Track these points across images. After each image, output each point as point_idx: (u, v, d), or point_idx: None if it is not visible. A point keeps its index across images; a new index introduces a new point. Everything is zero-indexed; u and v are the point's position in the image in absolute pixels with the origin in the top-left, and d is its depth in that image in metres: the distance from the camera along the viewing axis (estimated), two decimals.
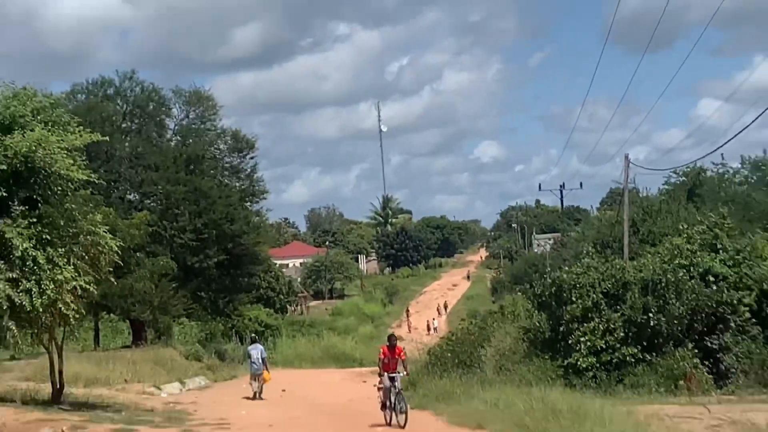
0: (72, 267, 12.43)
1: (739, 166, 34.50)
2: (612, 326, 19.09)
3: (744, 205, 28.77)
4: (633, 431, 11.96)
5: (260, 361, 21.95)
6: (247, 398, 21.92)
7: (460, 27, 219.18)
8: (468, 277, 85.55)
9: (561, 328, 20.06)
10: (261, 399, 21.65)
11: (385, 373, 14.65)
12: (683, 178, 35.86)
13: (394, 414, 14.51)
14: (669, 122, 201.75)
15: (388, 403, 14.66)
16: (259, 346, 23.25)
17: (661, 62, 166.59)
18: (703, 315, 19.20)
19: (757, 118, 30.33)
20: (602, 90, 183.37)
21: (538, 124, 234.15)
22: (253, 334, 33.47)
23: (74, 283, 12.36)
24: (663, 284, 19.28)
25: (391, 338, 15.69)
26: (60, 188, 12.68)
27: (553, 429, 12.24)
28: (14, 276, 11.72)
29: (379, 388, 14.94)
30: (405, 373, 15.27)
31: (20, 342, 13.02)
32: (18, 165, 11.93)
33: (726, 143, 29.76)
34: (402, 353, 15.08)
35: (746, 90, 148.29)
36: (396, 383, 14.46)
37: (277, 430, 15.01)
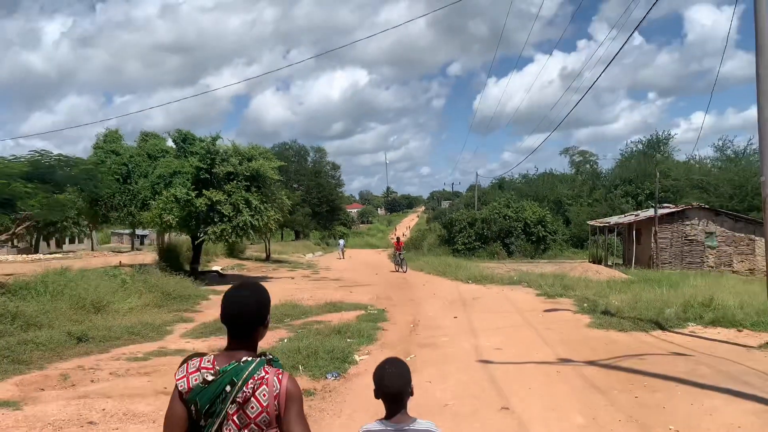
0: (273, 211, 27.03)
1: (518, 176, 76.97)
2: (470, 236, 50.28)
3: (519, 191, 72.81)
4: (476, 271, 29.39)
5: (342, 246, 54.73)
6: (339, 259, 48.58)
7: (416, 125, 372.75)
8: (417, 217, 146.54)
9: (452, 236, 51.54)
10: (343, 259, 48.28)
11: (396, 252, 36.06)
12: (497, 181, 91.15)
13: (399, 267, 34.19)
14: (494, 160, 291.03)
15: (396, 263, 35.27)
16: (342, 240, 58.25)
17: (493, 135, 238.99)
18: (504, 231, 50.24)
19: (524, 160, 76.95)
20: (470, 146, 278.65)
21: (445, 160, 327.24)
22: (343, 234, 77.11)
23: (274, 217, 27.24)
24: (490, 219, 50.78)
25: (399, 239, 39.67)
26: (269, 182, 27.05)
27: (447, 270, 31.33)
28: (252, 214, 25.94)
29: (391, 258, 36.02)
30: (404, 252, 36.70)
31: (254, 238, 32.25)
32: (253, 173, 26.31)
33: (513, 168, 75.48)
34: (402, 243, 37.79)
35: (522, 148, 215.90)
36: (401, 254, 35.30)
37: (348, 267, 38.60)
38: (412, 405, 3.09)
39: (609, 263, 37.24)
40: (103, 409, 7.94)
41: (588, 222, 47.95)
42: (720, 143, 66.80)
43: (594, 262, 36.70)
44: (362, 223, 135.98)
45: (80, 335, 12.31)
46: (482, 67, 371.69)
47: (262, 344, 6.99)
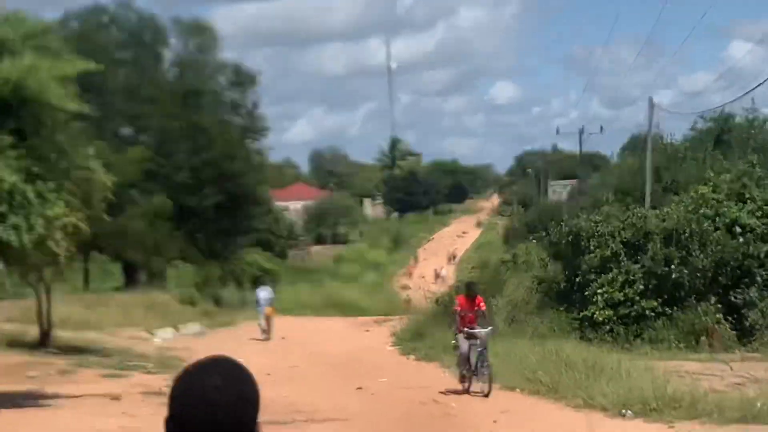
0: (63, 203, 11.92)
1: None
2: (632, 278, 18.51)
3: None
4: (651, 387, 11.12)
5: (267, 300, 22.95)
6: (262, 340, 22.60)
7: None
8: (479, 224, 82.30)
9: (577, 279, 19.65)
10: (268, 340, 22.49)
11: (463, 330, 12.85)
12: (710, 124, 34.02)
13: (474, 379, 12.81)
14: (697, 65, 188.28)
15: (466, 370, 12.89)
16: (268, 288, 24.32)
17: (690, 0, 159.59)
18: (728, 268, 18.46)
19: None
20: (626, 30, 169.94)
21: (558, 66, 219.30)
22: (260, 277, 34.10)
23: (65, 219, 11.99)
24: (686, 235, 18.65)
25: (471, 286, 14.16)
26: (51, 120, 12.19)
27: (566, 382, 11.98)
28: (1, 211, 11.14)
29: (455, 347, 13.27)
30: (489, 327, 13.32)
31: (6, 281, 13.10)
32: (7, 94, 11.40)
33: (757, 87, 24.97)
34: (482, 303, 13.38)
35: None
36: (478, 341, 12.62)
37: (275, 380, 13.68)
38: None
39: None
40: None
41: None
42: None
43: None
44: (319, 241, 66.49)
45: None
46: None
47: None
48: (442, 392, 13.19)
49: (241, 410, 1.50)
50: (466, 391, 12.88)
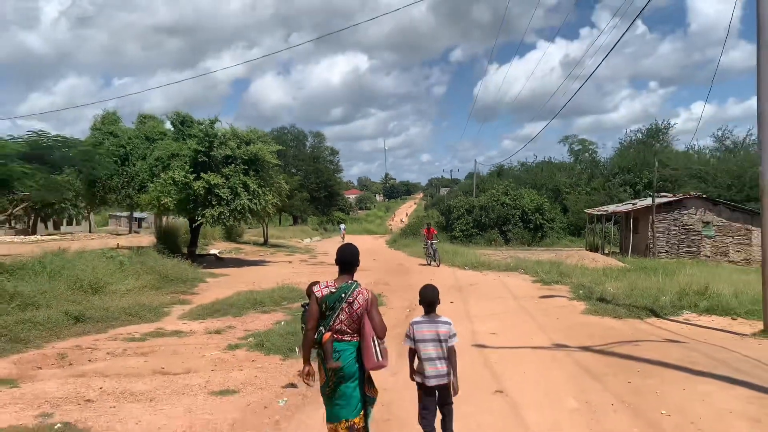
0: (271, 195, 27.27)
1: (516, 164, 75.83)
2: (467, 222, 51.21)
3: (517, 179, 69.64)
4: (473, 257, 29.44)
5: (342, 230, 57.66)
6: (341, 241, 42.54)
7: (417, 111, 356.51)
8: (415, 203, 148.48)
9: (450, 222, 52.81)
10: (344, 242, 41.06)
11: (427, 241, 28.40)
12: (496, 168, 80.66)
13: (432, 261, 27.87)
14: (493, 147, 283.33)
15: (427, 256, 28.43)
16: (343, 225, 62.40)
17: (492, 124, 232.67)
18: (501, 218, 50.88)
19: (522, 147, 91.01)
20: (469, 135, 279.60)
21: (445, 148, 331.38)
22: (341, 219, 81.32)
23: (272, 201, 27.47)
24: (487, 206, 52.65)
25: (429, 225, 30.84)
26: (267, 166, 27.38)
27: (446, 257, 29.78)
28: (250, 198, 26.19)
29: (425, 248, 29.23)
30: (437, 240, 29.40)
31: (252, 222, 33.53)
32: (251, 157, 26.65)
33: (512, 156, 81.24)
34: (434, 231, 29.47)
35: (521, 136, 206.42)
36: (432, 246, 28.05)
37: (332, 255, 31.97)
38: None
39: (606, 252, 37.39)
40: (101, 388, 8.00)
41: (585, 210, 48.04)
42: (719, 133, 67.02)
43: (591, 251, 36.76)
44: (360, 209, 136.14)
45: (78, 315, 12.35)
46: (484, 54, 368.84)
47: (262, 324, 12.19)
48: (422, 264, 28.92)
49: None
50: (428, 265, 27.98)
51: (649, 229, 34.52)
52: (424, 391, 5.54)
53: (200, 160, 26.06)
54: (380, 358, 4.99)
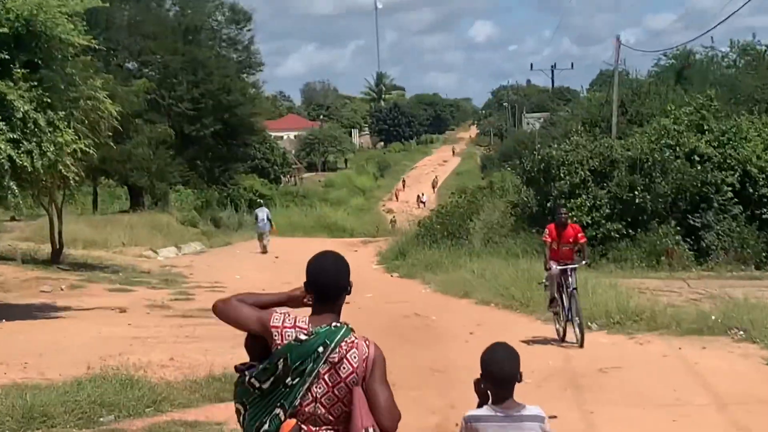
0: (72, 130, 12.59)
1: (728, 49, 35.10)
2: (598, 203, 19.67)
3: (731, 88, 29.39)
4: (614, 301, 12.09)
5: (265, 221, 25.38)
6: (259, 253, 24.94)
7: None
8: (453, 152, 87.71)
9: (548, 204, 20.35)
10: (266, 254, 24.67)
11: (553, 264, 10.21)
12: (672, 61, 36.49)
13: (569, 325, 10.27)
14: (661, 5, 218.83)
15: (559, 308, 10.37)
16: (265, 209, 26.68)
17: None
18: (687, 194, 19.86)
19: (745, 4, 37.07)
20: None
21: (532, 6, 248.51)
22: (259, 199, 37.16)
23: (74, 146, 12.54)
24: (650, 163, 19.92)
25: (561, 211, 10.90)
26: (61, 53, 12.81)
27: (537, 298, 12.42)
28: (15, 137, 11.74)
29: (545, 285, 10.78)
30: (585, 261, 11.00)
31: (21, 203, 13.22)
32: (19, 28, 12.02)
33: (715, 27, 35.94)
34: (580, 234, 10.71)
35: None
36: (570, 279, 10.17)
37: (269, 281, 14.64)
38: None
39: None
40: None
41: None
42: None
43: None
44: (310, 168, 69.62)
45: None
46: None
47: None
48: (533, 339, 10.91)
49: (342, 270, 2.74)
50: (562, 340, 10.58)
51: None
52: None
53: None
54: None
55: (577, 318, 10.01)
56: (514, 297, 13.50)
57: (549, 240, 10.35)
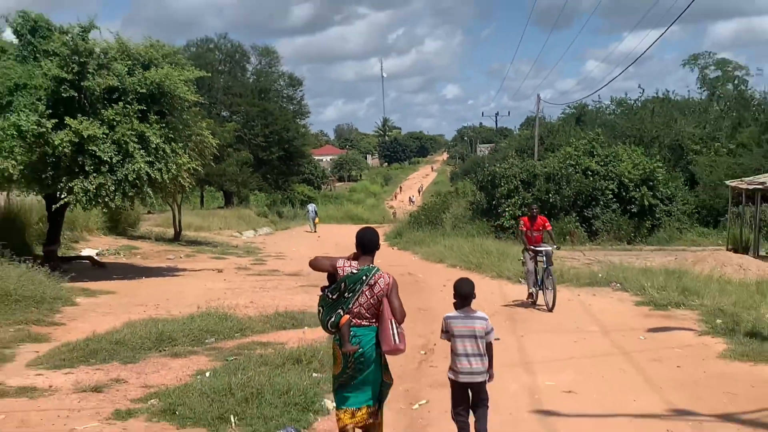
0: (187, 155, 17.96)
1: (609, 103, 51.21)
2: (526, 201, 28.52)
3: (611, 128, 42.41)
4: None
5: (312, 212, 39.78)
6: (308, 232, 37.61)
7: (436, 11, 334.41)
8: (432, 169, 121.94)
9: (494, 202, 30.86)
10: (314, 232, 37.54)
11: (530, 248, 12.84)
12: (573, 110, 53.63)
13: (541, 293, 12.80)
14: (567, 74, 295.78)
15: (534, 282, 12.87)
16: (312, 204, 41.85)
17: (563, 36, 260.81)
18: (583, 195, 30.26)
19: (620, 74, 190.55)
20: (525, 53, 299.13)
21: (484, 75, 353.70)
22: (309, 197, 57.27)
23: (188, 165, 17.87)
24: (559, 176, 30.10)
25: (533, 207, 13.54)
26: (179, 105, 18.25)
27: (486, 262, 19.23)
28: (150, 160, 16.73)
29: (522, 262, 13.49)
30: (555, 246, 13.15)
31: (154, 202, 19.07)
32: (153, 90, 17.10)
33: (601, 88, 57.29)
34: (547, 223, 13.20)
35: (616, 54, 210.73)
36: (545, 259, 12.46)
37: (317, 252, 23.78)
38: None
39: (763, 253, 23.87)
40: None
41: (728, 183, 27.02)
42: None
43: (736, 250, 23.48)
44: (340, 180, 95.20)
45: None
46: None
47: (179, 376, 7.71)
48: (526, 301, 13.42)
49: (375, 239, 5.45)
50: (532, 303, 13.06)
51: None
52: (455, 387, 5.64)
53: (65, 95, 15.85)
54: (397, 342, 5.18)
55: (550, 289, 12.52)
56: (472, 262, 19.82)
57: (524, 229, 13.18)
